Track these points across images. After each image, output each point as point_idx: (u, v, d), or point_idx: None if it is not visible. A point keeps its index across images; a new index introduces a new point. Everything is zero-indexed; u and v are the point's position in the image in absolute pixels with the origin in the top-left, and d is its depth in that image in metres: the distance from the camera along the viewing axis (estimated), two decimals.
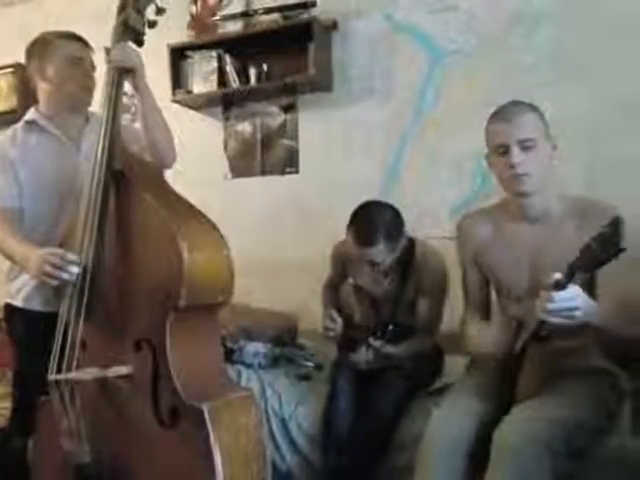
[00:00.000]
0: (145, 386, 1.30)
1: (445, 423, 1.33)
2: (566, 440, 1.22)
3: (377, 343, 1.82)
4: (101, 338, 1.41)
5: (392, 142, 2.56)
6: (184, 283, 1.24)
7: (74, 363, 1.37)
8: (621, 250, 1.05)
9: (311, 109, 2.71)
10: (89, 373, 1.35)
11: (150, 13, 1.49)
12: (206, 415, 1.20)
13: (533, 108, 1.40)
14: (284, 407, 1.91)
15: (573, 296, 1.16)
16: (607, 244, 1.06)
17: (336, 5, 2.60)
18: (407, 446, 1.61)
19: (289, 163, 2.77)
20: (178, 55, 2.76)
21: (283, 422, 1.88)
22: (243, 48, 2.69)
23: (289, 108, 2.75)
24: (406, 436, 1.66)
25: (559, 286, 1.15)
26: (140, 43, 1.51)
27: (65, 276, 1.34)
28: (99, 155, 1.39)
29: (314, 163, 2.73)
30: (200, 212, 1.41)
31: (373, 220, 1.76)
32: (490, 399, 1.39)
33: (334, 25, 2.59)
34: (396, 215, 1.82)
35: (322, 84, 2.61)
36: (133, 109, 2.67)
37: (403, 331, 1.84)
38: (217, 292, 1.35)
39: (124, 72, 1.46)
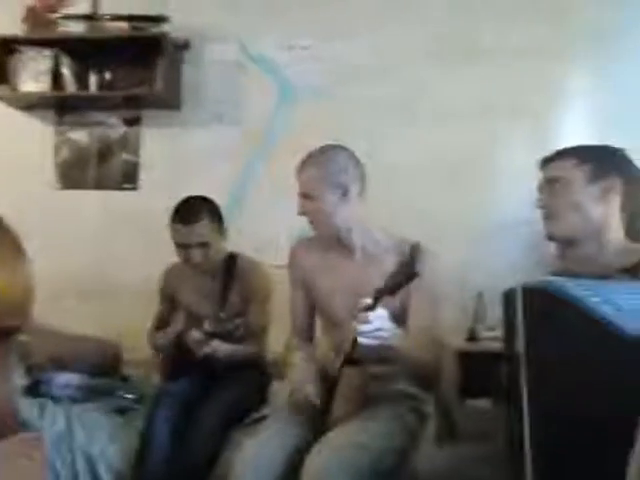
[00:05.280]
0: None
1: (255, 453, 1.32)
2: (372, 465, 1.27)
3: (209, 327, 1.76)
4: None
5: (238, 168, 2.54)
6: None
7: None
8: (415, 274, 1.20)
9: (157, 126, 2.60)
10: None
11: None
12: None
13: (321, 162, 1.47)
14: (93, 444, 1.72)
15: (378, 317, 1.24)
16: (405, 270, 1.21)
17: (190, 25, 2.55)
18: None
19: (127, 179, 2.61)
20: (7, 48, 2.46)
21: (90, 460, 1.69)
22: (85, 52, 2.50)
23: (133, 122, 2.61)
24: (225, 469, 1.57)
25: (369, 309, 1.24)
26: None
27: None
28: None
29: (156, 181, 2.59)
30: None
31: (193, 199, 1.85)
32: (306, 425, 1.39)
33: (186, 45, 2.54)
34: (216, 204, 1.90)
35: (169, 102, 2.53)
36: None
37: (233, 326, 1.78)
38: None
39: None
